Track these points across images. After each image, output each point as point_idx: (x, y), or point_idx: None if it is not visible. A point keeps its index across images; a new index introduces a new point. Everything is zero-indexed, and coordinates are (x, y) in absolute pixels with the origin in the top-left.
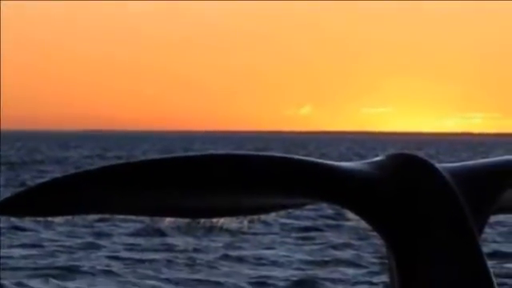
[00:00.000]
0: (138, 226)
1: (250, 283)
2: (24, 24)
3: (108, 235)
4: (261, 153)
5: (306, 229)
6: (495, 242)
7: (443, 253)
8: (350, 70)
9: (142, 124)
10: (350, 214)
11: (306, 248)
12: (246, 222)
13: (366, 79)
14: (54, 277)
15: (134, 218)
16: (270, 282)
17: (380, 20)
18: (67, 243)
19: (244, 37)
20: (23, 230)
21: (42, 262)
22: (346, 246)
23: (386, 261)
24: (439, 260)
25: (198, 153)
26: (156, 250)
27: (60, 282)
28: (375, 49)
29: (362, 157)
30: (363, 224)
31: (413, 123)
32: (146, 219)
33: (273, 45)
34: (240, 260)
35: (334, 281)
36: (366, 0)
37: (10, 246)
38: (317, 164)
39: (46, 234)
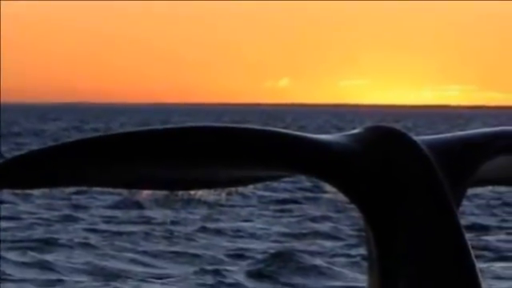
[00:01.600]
0: (116, 198)
1: (228, 255)
2: None
3: (86, 208)
4: (239, 125)
5: (284, 201)
6: (473, 214)
7: (421, 225)
8: (327, 43)
9: (119, 96)
10: (328, 187)
11: (284, 220)
12: (223, 195)
13: (344, 52)
14: (32, 249)
15: (111, 190)
16: (247, 254)
17: None
18: (45, 216)
19: (222, 10)
20: (0, 202)
21: (20, 235)
22: (324, 218)
23: (364, 233)
24: (417, 232)
25: (175, 125)
26: (134, 223)
27: (38, 255)
28: (353, 22)
29: (339, 129)
30: (341, 196)
31: (390, 96)
32: (124, 192)
33: (251, 18)
34: (218, 232)
35: (311, 253)
36: None
37: None
38: (295, 137)
39: (23, 207)
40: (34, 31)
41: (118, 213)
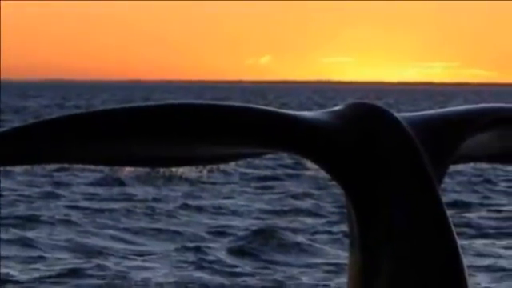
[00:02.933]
0: (97, 175)
1: (209, 233)
2: None
3: (67, 185)
4: (220, 102)
5: (266, 178)
6: (455, 191)
7: (403, 203)
8: (309, 20)
9: (101, 73)
10: (310, 164)
11: (266, 197)
12: (205, 172)
13: (326, 29)
14: (14, 226)
15: (93, 167)
16: (229, 231)
17: None
18: (26, 193)
19: None
20: None
21: (2, 212)
22: (306, 195)
23: (346, 210)
24: (398, 210)
25: (157, 102)
26: (115, 200)
27: (19, 232)
28: None
29: (321, 106)
30: (322, 173)
31: (372, 73)
32: (106, 169)
33: None
34: (199, 209)
35: (293, 230)
36: None
37: None
38: (276, 114)
39: (5, 184)
40: (15, 9)
41: (99, 190)
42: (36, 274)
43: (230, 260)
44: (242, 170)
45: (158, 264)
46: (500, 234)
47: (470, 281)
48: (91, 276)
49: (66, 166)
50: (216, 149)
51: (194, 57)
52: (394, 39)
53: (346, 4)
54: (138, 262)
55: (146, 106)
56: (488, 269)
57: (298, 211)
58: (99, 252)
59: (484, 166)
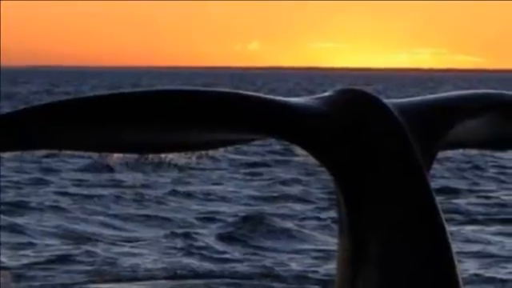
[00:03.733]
0: (86, 161)
1: (198, 219)
2: None
3: (56, 171)
4: (209, 88)
5: (255, 164)
6: (443, 177)
7: (391, 188)
8: (298, 6)
9: (90, 60)
10: (299, 150)
11: (254, 183)
12: (194, 158)
13: (314, 15)
14: (2, 212)
15: (82, 153)
16: (218, 217)
17: None
18: (15, 179)
19: None
20: None
21: None
22: (294, 181)
23: (335, 196)
24: (387, 195)
25: (146, 88)
26: (104, 186)
27: (8, 218)
28: None
29: (310, 92)
30: (311, 159)
31: (361, 59)
32: (94, 155)
33: None
34: (188, 196)
35: (282, 216)
36: None
37: None
38: (265, 100)
39: None
40: None
41: (88, 176)
42: (25, 261)
43: (219, 246)
44: (231, 156)
45: (146, 250)
46: (489, 220)
47: (459, 267)
48: (80, 262)
49: (55, 152)
50: (205, 135)
51: (183, 43)
52: (382, 25)
53: None
54: (126, 248)
55: (134, 93)
56: (477, 255)
57: (287, 197)
58: (88, 238)
59: (473, 152)
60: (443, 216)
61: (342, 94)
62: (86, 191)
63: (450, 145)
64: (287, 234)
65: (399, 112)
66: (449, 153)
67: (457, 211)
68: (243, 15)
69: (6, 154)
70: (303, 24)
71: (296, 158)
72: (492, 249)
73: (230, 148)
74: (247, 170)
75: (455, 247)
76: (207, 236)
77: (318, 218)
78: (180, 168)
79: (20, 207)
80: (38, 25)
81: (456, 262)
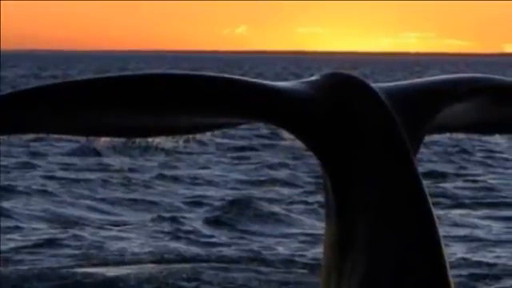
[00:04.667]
0: (74, 145)
1: (186, 203)
2: None
3: (43, 155)
4: (197, 72)
5: (242, 148)
6: (431, 161)
7: (378, 172)
8: None
9: (77, 43)
10: (286, 134)
11: (242, 167)
12: (181, 142)
13: None
14: None
15: (69, 137)
16: (205, 201)
17: None
18: (3, 163)
19: None
20: None
21: None
22: (282, 165)
23: (322, 180)
24: (374, 179)
25: (133, 72)
26: (91, 170)
27: None
28: None
29: (297, 76)
30: (298, 143)
31: (348, 43)
32: (82, 139)
33: None
34: (175, 179)
35: (269, 200)
36: None
37: None
38: (253, 84)
39: None
40: None
41: (75, 160)
42: (12, 244)
43: (206, 230)
44: (218, 140)
45: (133, 234)
46: (476, 204)
47: (446, 251)
48: (67, 246)
49: (43, 136)
50: (192, 119)
51: (170, 27)
52: (370, 9)
53: None
54: (113, 232)
55: (122, 76)
56: (464, 239)
57: (274, 181)
58: (75, 222)
59: (460, 136)
60: (430, 200)
61: (329, 78)
62: (73, 175)
63: (437, 129)
64: (274, 218)
65: (386, 96)
66: (436, 137)
67: (444, 195)
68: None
69: None
70: (290, 8)
71: (283, 142)
72: (479, 233)
73: (216, 132)
74: (234, 154)
75: (442, 231)
76: (194, 220)
77: (305, 202)
78: (167, 152)
79: (7, 191)
80: (26, 9)
81: (443, 246)
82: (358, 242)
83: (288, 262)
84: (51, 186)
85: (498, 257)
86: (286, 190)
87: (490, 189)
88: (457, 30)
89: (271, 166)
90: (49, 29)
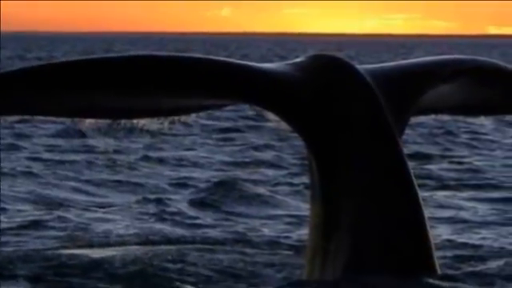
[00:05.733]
0: (59, 127)
1: (171, 184)
2: None
3: (28, 136)
4: (182, 54)
5: (227, 130)
6: (416, 143)
7: (363, 154)
8: None
9: (62, 25)
10: (271, 115)
11: (227, 149)
12: (166, 123)
13: None
14: None
15: (54, 119)
16: (190, 183)
17: None
18: None
19: None
20: None
21: None
22: (267, 147)
23: (307, 162)
24: (359, 161)
25: (119, 54)
26: (76, 152)
27: None
28: None
29: (282, 58)
30: (284, 125)
31: (333, 24)
32: (67, 120)
33: None
34: (160, 161)
35: (254, 182)
36: None
37: None
38: (238, 65)
39: None
40: None
41: (60, 142)
42: None
43: (191, 212)
44: (203, 121)
45: (119, 216)
46: (461, 186)
47: (432, 232)
48: (52, 228)
49: (28, 117)
50: (177, 100)
51: (155, 8)
52: None
53: None
54: (99, 214)
55: (107, 58)
56: (449, 220)
57: (259, 163)
58: (60, 204)
59: (445, 117)
60: (416, 181)
61: (315, 59)
62: (58, 157)
63: (422, 110)
64: (259, 199)
65: (371, 78)
66: (421, 118)
67: (429, 177)
68: None
69: None
70: None
71: (268, 124)
72: (464, 214)
73: (202, 114)
74: (219, 136)
75: (427, 213)
76: (179, 202)
77: (291, 184)
78: (152, 134)
79: None
80: None
81: (428, 228)
82: (343, 223)
83: (273, 244)
84: (36, 167)
85: (483, 238)
86: (271, 172)
87: (476, 170)
88: (442, 12)
89: (256, 148)
90: (34, 10)
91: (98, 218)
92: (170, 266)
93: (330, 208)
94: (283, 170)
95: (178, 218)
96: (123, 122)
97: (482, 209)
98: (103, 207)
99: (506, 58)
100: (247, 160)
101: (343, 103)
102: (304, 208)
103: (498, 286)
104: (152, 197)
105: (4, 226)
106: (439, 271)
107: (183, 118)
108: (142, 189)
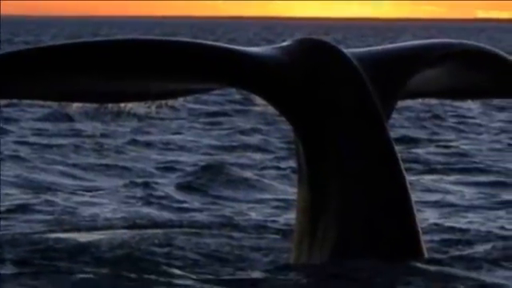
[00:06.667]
0: (46, 111)
1: (158, 168)
2: None
3: (16, 120)
4: (169, 38)
5: (214, 114)
6: (403, 127)
7: (350, 138)
8: None
9: (49, 9)
10: (258, 99)
11: (214, 133)
12: (153, 107)
13: None
14: None
15: (41, 103)
16: (177, 166)
17: None
18: None
19: None
20: None
21: None
22: (254, 131)
23: (294, 146)
24: (346, 145)
25: (106, 38)
26: (64, 136)
27: None
28: None
29: (269, 42)
30: (271, 109)
31: (320, 8)
32: (54, 104)
33: None
34: (148, 145)
35: (241, 166)
36: None
37: None
38: (226, 49)
39: None
40: None
41: (48, 125)
42: None
43: (178, 195)
44: (191, 105)
45: (106, 200)
46: (448, 170)
47: (419, 216)
48: (39, 211)
49: (15, 101)
50: (165, 84)
51: None
52: None
53: None
54: (86, 198)
55: (95, 42)
56: (436, 204)
57: (247, 147)
58: (48, 188)
59: (432, 101)
60: (403, 165)
61: (301, 43)
62: (45, 140)
63: (409, 94)
64: (246, 183)
65: (358, 61)
66: (408, 102)
67: (416, 161)
68: None
69: None
70: None
71: (256, 108)
72: (451, 198)
73: (189, 97)
74: (207, 120)
75: (414, 196)
76: (166, 185)
77: (278, 168)
78: (139, 117)
79: None
80: None
81: (415, 211)
82: (330, 207)
83: (260, 228)
84: (24, 151)
85: (470, 222)
86: (258, 156)
87: (463, 154)
88: None
89: (243, 132)
90: None
91: (85, 201)
92: (157, 249)
93: (316, 192)
94: (270, 153)
95: (165, 201)
96: (110, 105)
97: (469, 193)
98: (90, 191)
99: (493, 42)
100: (234, 144)
101: (330, 87)
102: (291, 192)
103: (485, 269)
104: (139, 181)
105: None
106: (426, 255)
107: (170, 101)
108: (129, 173)
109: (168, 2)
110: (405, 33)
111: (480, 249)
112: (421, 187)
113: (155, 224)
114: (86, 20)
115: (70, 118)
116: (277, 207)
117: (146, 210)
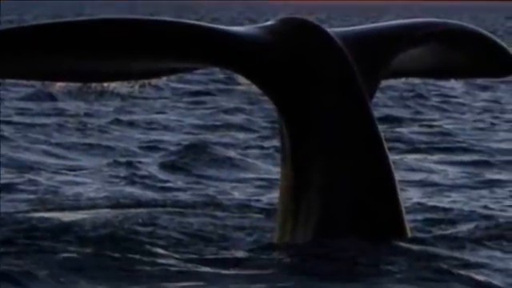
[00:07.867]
0: (29, 90)
1: (141, 147)
2: None
3: None
4: (153, 17)
5: (197, 93)
6: (386, 106)
7: (334, 117)
8: None
9: None
10: (242, 79)
11: (197, 112)
12: (136, 87)
13: None
14: None
15: (25, 82)
16: (161, 146)
17: None
18: None
19: None
20: None
21: None
22: (237, 110)
23: (277, 125)
24: (329, 124)
25: (89, 17)
26: (47, 115)
27: None
28: None
29: (253, 22)
30: (254, 88)
31: None
32: (37, 84)
33: None
34: (131, 124)
35: (225, 145)
36: None
37: None
38: (209, 29)
39: None
40: None
41: (31, 105)
42: None
43: (162, 175)
44: (174, 84)
45: (89, 179)
46: (431, 149)
47: (402, 195)
48: (23, 191)
49: None
50: (148, 64)
51: None
52: None
53: None
54: (69, 177)
55: (79, 21)
56: (420, 183)
57: (230, 126)
58: (31, 167)
59: (416, 80)
60: (386, 144)
61: (285, 23)
62: (29, 120)
63: (392, 73)
64: (230, 162)
65: (342, 41)
66: (391, 81)
67: (399, 140)
68: None
69: None
70: None
71: (239, 87)
72: (435, 177)
73: (172, 77)
74: (190, 99)
75: (398, 176)
76: (150, 165)
77: (261, 147)
78: (123, 97)
79: None
80: None
81: (399, 190)
82: (314, 186)
83: (244, 207)
84: (7, 131)
85: (453, 201)
86: (241, 135)
87: (446, 134)
88: None
89: (227, 111)
90: None
91: (69, 181)
92: (141, 229)
93: (300, 171)
94: (254, 133)
95: (148, 181)
96: (94, 85)
97: (453, 172)
98: (74, 170)
99: (476, 22)
100: (218, 123)
101: (313, 66)
102: (274, 171)
103: (468, 249)
104: (122, 160)
105: None
106: (410, 234)
107: (153, 81)
108: (112, 152)
109: None
110: (388, 12)
111: (463, 228)
112: (404, 166)
113: (139, 203)
114: (68, 0)
115: (53, 98)
116: (260, 186)
117: (129, 189)
